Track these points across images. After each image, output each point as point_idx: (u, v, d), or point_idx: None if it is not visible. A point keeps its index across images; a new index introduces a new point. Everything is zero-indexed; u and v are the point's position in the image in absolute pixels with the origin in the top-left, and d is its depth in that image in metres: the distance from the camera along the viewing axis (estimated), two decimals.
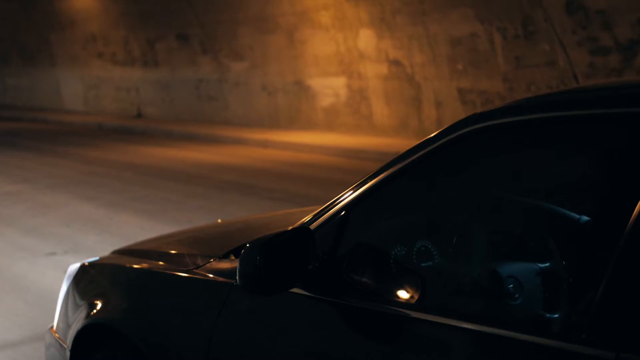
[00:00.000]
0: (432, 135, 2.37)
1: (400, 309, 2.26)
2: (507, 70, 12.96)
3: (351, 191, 2.54)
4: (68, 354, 3.34)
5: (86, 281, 3.49)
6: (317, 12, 16.30)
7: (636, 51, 11.03)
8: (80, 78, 25.99)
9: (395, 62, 15.08)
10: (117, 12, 22.46)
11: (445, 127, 2.35)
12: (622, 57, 11.21)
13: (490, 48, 13.10)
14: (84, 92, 26.04)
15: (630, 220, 1.76)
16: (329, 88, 16.86)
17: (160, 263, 3.18)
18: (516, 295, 2.55)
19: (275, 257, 2.32)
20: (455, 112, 13.79)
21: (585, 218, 2.34)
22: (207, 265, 2.93)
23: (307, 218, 2.62)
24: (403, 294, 2.65)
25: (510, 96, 12.82)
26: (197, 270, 2.93)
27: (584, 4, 11.28)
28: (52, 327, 3.65)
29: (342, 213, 2.50)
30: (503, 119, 2.19)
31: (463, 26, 13.37)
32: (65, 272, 3.70)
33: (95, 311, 3.22)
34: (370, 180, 2.48)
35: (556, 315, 2.64)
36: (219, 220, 4.43)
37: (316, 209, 2.66)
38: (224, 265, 2.89)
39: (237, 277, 2.35)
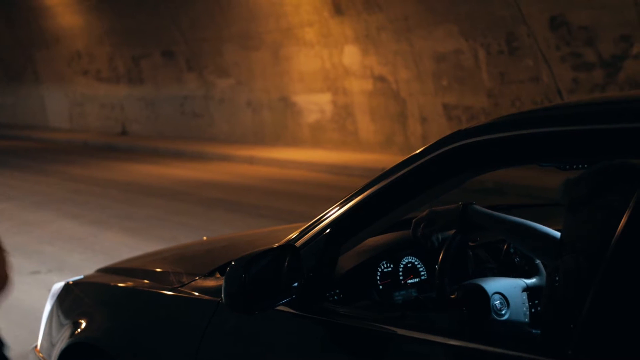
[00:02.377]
0: (418, 151, 2.36)
1: (386, 326, 2.25)
2: (491, 86, 13.00)
3: (337, 208, 2.54)
4: None
5: (70, 300, 3.47)
6: (302, 29, 16.32)
7: (619, 67, 11.09)
8: (65, 95, 25.94)
9: (381, 78, 15.11)
10: (101, 30, 22.44)
11: (430, 143, 2.35)
12: (605, 73, 11.27)
13: (474, 64, 13.15)
14: (69, 110, 25.98)
15: (616, 234, 1.76)
16: (315, 104, 16.87)
17: (145, 281, 3.16)
18: (502, 312, 2.55)
19: (261, 275, 2.31)
20: (440, 128, 13.82)
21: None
22: (193, 283, 2.92)
23: (293, 235, 2.61)
24: (389, 311, 2.65)
25: (495, 112, 12.85)
26: (182, 289, 2.91)
27: (567, 19, 11.34)
28: (36, 346, 3.62)
29: (328, 230, 2.49)
30: (488, 136, 2.19)
31: (447, 42, 13.42)
32: (49, 290, 3.67)
33: (79, 330, 3.20)
34: (356, 197, 2.47)
35: (542, 331, 2.64)
36: (205, 238, 4.41)
37: (302, 226, 2.65)
38: (210, 283, 2.87)
39: (223, 296, 2.33)
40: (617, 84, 11.14)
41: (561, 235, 2.24)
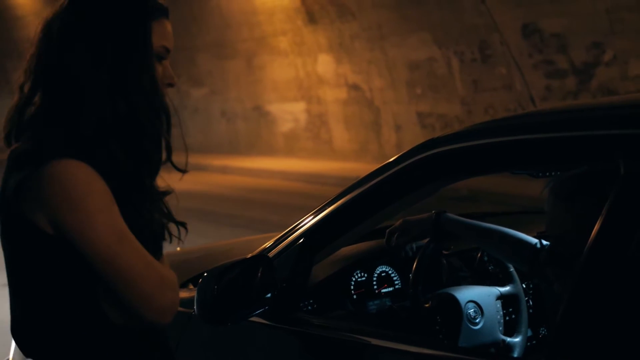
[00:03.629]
0: (391, 160, 2.36)
1: (361, 337, 2.24)
2: (465, 94, 13.05)
3: (310, 217, 2.52)
4: None
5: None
6: (276, 38, 16.32)
7: (592, 74, 11.16)
8: None
9: (355, 87, 15.12)
10: None
11: (403, 152, 2.35)
12: (577, 80, 11.33)
13: (448, 72, 13.19)
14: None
15: (589, 242, 1.76)
16: (289, 113, 16.86)
17: None
18: (476, 320, 2.54)
19: (234, 286, 2.29)
20: (414, 136, 13.84)
21: (544, 242, 2.35)
22: None
23: (266, 245, 2.60)
24: (364, 321, 2.63)
25: (469, 119, 12.89)
26: None
27: (540, 27, 11.40)
28: (7, 359, 3.58)
29: (301, 240, 2.48)
30: (461, 144, 2.19)
31: (421, 51, 13.45)
32: None
33: None
34: (329, 206, 2.46)
35: (517, 340, 2.64)
36: (178, 249, 4.38)
37: (276, 236, 2.63)
38: (182, 294, 2.84)
39: (195, 307, 2.31)
40: (589, 91, 11.21)
41: (542, 238, 2.23)
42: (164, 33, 1.91)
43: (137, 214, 1.83)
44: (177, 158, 2.05)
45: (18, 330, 1.91)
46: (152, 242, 1.88)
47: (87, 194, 1.73)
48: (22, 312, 1.88)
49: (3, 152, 1.91)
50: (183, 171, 1.97)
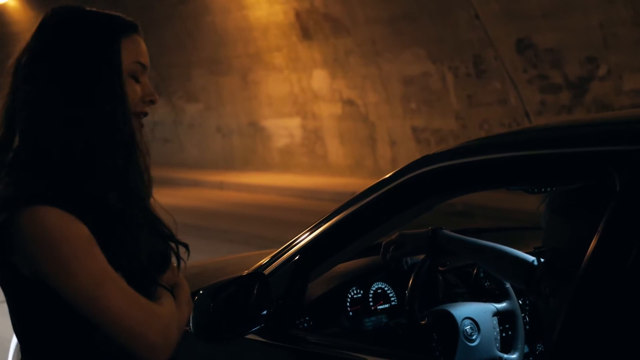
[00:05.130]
0: (386, 177, 2.36)
1: (357, 354, 2.23)
2: (459, 108, 13.07)
3: (306, 234, 2.52)
4: None
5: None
6: (271, 54, 16.34)
7: (586, 88, 11.18)
8: None
9: (349, 102, 15.14)
10: None
11: (399, 168, 2.35)
12: (572, 95, 11.36)
13: (442, 87, 13.21)
14: None
15: (586, 257, 1.75)
16: (284, 129, 16.87)
17: None
18: (473, 337, 2.54)
19: (229, 304, 2.29)
20: (409, 151, 13.85)
21: (541, 260, 2.34)
22: None
23: (262, 261, 2.59)
24: (360, 338, 2.63)
25: (463, 134, 12.91)
26: None
27: (534, 42, 11.44)
28: None
29: (297, 257, 2.47)
30: (456, 160, 2.19)
31: (415, 66, 13.48)
32: None
33: None
34: (325, 223, 2.46)
35: (513, 356, 2.64)
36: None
37: (272, 252, 2.63)
38: None
39: (191, 325, 2.30)
40: (584, 105, 11.24)
41: (539, 254, 2.23)
42: (136, 49, 1.87)
43: (123, 246, 1.79)
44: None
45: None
46: (148, 270, 1.85)
47: (60, 240, 1.70)
48: (23, 346, 1.88)
49: None
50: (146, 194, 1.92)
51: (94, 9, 1.87)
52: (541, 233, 2.09)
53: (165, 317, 1.80)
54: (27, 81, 1.80)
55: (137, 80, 1.87)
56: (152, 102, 1.90)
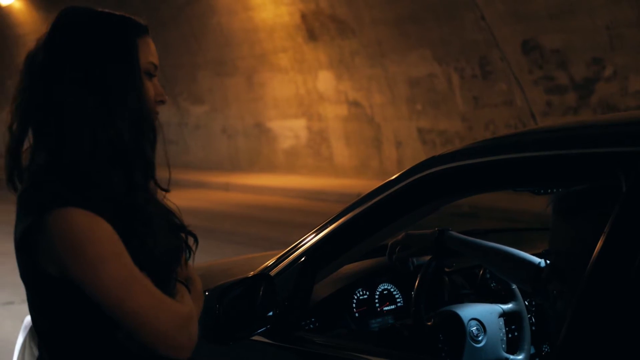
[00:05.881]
0: (392, 178, 2.35)
1: (363, 355, 2.23)
2: (465, 110, 13.06)
3: (312, 236, 2.52)
4: None
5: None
6: (276, 55, 16.34)
7: (592, 90, 11.17)
8: None
9: (355, 103, 15.14)
10: None
11: (405, 169, 2.34)
12: (578, 96, 11.34)
13: (448, 88, 13.20)
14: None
15: (592, 259, 1.75)
16: (289, 130, 16.87)
17: None
18: (479, 338, 2.53)
19: (235, 305, 2.29)
20: (415, 152, 13.85)
21: (547, 262, 2.34)
22: None
23: (268, 263, 2.59)
24: (366, 339, 2.62)
25: (469, 135, 12.90)
26: None
27: (540, 43, 11.42)
28: None
29: (303, 258, 2.47)
30: (462, 162, 2.18)
31: (421, 67, 13.47)
32: (22, 321, 3.62)
33: None
34: (331, 224, 2.46)
35: (519, 357, 2.63)
36: None
37: (278, 253, 2.63)
38: None
39: None
40: (589, 106, 11.22)
41: (547, 256, 2.22)
42: (148, 50, 1.89)
43: (143, 243, 1.80)
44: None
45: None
46: (168, 265, 1.87)
47: (88, 242, 1.72)
48: (44, 343, 1.89)
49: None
50: (166, 190, 1.95)
51: (105, 10, 1.88)
52: (548, 234, 2.08)
53: (188, 315, 1.83)
54: (47, 82, 1.81)
55: (150, 80, 1.90)
56: (162, 102, 1.93)
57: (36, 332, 1.91)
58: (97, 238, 1.73)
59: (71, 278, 1.74)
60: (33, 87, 1.83)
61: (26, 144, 1.87)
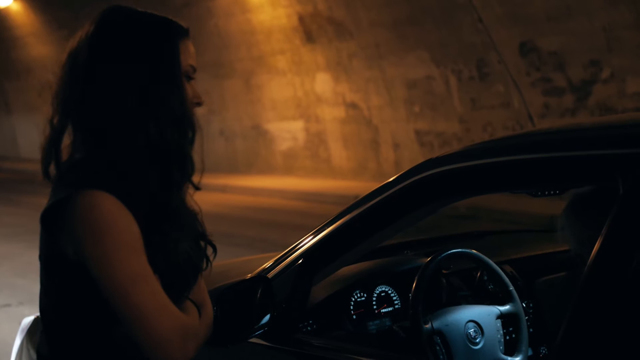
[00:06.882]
0: (390, 180, 2.36)
1: (360, 357, 2.23)
2: (463, 111, 13.06)
3: (310, 237, 2.52)
4: None
5: (40, 334, 3.41)
6: (274, 57, 16.35)
7: (589, 92, 11.18)
8: (36, 126, 25.76)
9: (353, 105, 15.14)
10: None
11: (403, 171, 2.34)
12: (575, 98, 11.35)
13: (446, 90, 13.21)
14: (40, 140, 25.78)
15: (589, 261, 1.75)
16: (287, 132, 16.87)
17: None
18: (477, 340, 2.53)
19: (233, 307, 2.29)
20: (413, 154, 13.85)
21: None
22: None
23: (266, 265, 2.59)
24: (363, 342, 2.63)
25: (467, 137, 12.90)
26: None
27: (537, 45, 11.43)
28: None
29: (301, 260, 2.47)
30: (460, 164, 2.19)
31: (419, 69, 13.48)
32: (20, 324, 3.62)
33: None
34: (329, 226, 2.46)
35: (517, 359, 2.63)
36: None
37: (275, 256, 2.63)
38: None
39: None
40: (587, 108, 11.23)
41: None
42: (189, 52, 1.93)
43: (163, 246, 1.82)
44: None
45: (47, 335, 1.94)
46: (185, 273, 1.87)
47: (109, 229, 1.73)
48: (46, 330, 1.93)
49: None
50: (197, 188, 1.98)
51: (148, 11, 1.90)
52: (546, 236, 2.09)
53: (190, 328, 1.82)
54: (88, 79, 1.83)
55: (188, 82, 1.93)
56: (199, 104, 1.96)
57: (39, 311, 1.92)
58: (119, 227, 1.74)
59: (84, 259, 1.74)
60: (75, 83, 1.85)
61: (66, 140, 1.90)
